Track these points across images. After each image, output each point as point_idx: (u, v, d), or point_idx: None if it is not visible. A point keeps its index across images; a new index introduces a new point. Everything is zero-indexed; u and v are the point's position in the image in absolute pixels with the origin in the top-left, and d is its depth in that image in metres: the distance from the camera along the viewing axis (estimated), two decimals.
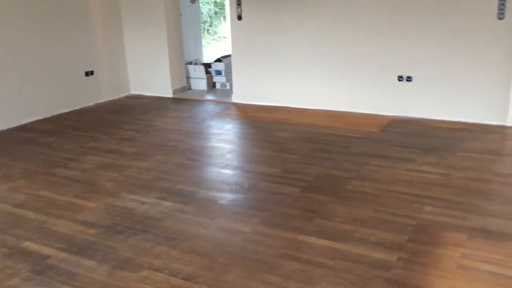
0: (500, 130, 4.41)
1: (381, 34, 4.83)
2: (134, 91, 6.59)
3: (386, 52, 4.85)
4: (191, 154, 4.14)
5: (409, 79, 4.81)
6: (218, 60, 6.79)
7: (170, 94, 6.37)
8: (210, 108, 5.77)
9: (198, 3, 7.97)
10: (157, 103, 6.06)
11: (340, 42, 5.07)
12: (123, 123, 5.15)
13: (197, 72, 6.75)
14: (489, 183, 3.32)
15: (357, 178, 3.44)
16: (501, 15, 4.26)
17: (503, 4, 4.22)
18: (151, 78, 6.42)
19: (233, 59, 5.85)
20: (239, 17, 5.58)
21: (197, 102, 6.08)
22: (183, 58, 6.62)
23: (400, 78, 4.86)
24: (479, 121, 4.56)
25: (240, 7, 5.54)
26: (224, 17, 14.27)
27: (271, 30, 5.43)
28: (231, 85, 6.68)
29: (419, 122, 4.72)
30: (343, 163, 3.74)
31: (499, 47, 4.34)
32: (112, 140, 4.57)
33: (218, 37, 13.97)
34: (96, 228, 2.85)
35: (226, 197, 3.24)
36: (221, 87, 6.79)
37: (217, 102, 6.02)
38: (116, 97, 6.37)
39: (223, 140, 4.49)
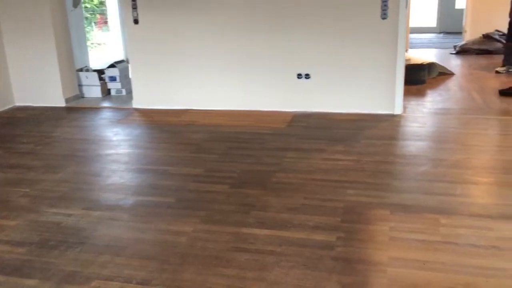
0: (390, 118, 4.91)
1: (279, 34, 5.09)
2: (19, 103, 6.11)
3: (285, 52, 5.13)
4: (106, 162, 4.00)
5: (307, 76, 5.14)
6: (112, 66, 6.57)
7: (62, 104, 6.02)
8: (111, 115, 5.58)
9: (81, 8, 7.62)
10: (50, 113, 5.70)
11: (240, 43, 5.24)
12: (17, 136, 4.78)
13: (90, 79, 6.46)
14: (394, 164, 3.71)
15: (280, 171, 3.61)
16: (384, 15, 4.75)
17: (385, 6, 4.71)
18: (40, 88, 6.01)
19: (131, 64, 5.72)
20: (136, 21, 5.48)
21: (94, 110, 5.83)
22: (73, 65, 6.29)
23: (299, 75, 5.16)
24: (372, 111, 5.03)
25: (136, 11, 5.44)
26: (95, 23, 13.74)
27: (170, 33, 5.42)
28: (127, 91, 6.52)
29: (320, 115, 5.07)
30: (262, 158, 3.90)
31: (384, 44, 4.84)
32: (11, 155, 4.22)
33: (92, 43, 13.43)
34: (24, 246, 2.65)
35: (157, 200, 3.21)
36: (116, 93, 6.58)
37: (117, 109, 5.84)
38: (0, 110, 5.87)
39: (136, 146, 4.40)
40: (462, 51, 9.06)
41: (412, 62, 6.66)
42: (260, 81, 5.29)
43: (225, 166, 3.77)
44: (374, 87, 4.99)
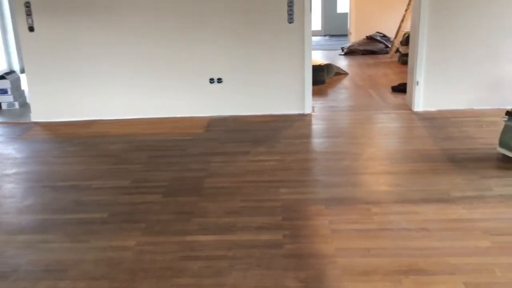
0: (302, 117, 5.12)
1: (189, 39, 5.07)
2: None
3: (196, 57, 5.12)
4: (17, 182, 3.68)
5: (219, 80, 5.18)
6: (1, 77, 6.05)
7: None
8: (7, 131, 5.12)
9: None
10: None
11: (150, 49, 5.12)
12: None
13: None
14: (316, 161, 3.90)
15: (209, 176, 3.61)
16: (290, 20, 4.95)
17: (291, 11, 4.92)
18: None
19: (27, 75, 5.30)
20: (31, 28, 5.10)
21: None
22: None
23: (211, 80, 5.19)
24: (284, 112, 5.21)
25: (31, 17, 5.07)
26: None
27: (71, 40, 5.13)
28: (20, 104, 6.07)
29: (235, 119, 5.13)
30: (189, 165, 3.86)
31: (292, 47, 5.04)
32: None
33: None
34: None
35: (88, 217, 3.03)
36: (8, 107, 6.06)
37: (12, 124, 5.38)
38: None
39: (47, 162, 4.10)
40: (349, 52, 9.70)
41: (312, 63, 7.00)
42: (172, 87, 5.22)
43: (152, 175, 3.67)
44: (285, 89, 5.18)
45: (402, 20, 8.96)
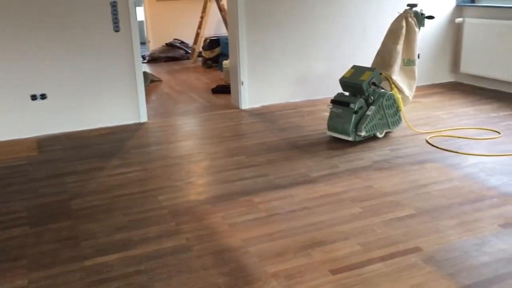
0: (140, 126, 5.03)
1: (4, 52, 4.50)
2: None
3: (13, 72, 4.57)
4: None
5: (43, 96, 4.73)
6: None
7: None
8: None
9: None
10: None
11: None
12: None
13: None
14: (179, 165, 3.90)
15: (73, 198, 3.33)
16: (116, 28, 4.81)
17: (116, 19, 4.79)
18: None
19: None
20: None
21: None
22: None
23: (33, 97, 4.70)
24: (120, 123, 5.04)
25: None
26: None
27: None
28: None
29: (68, 135, 4.75)
30: (41, 190, 3.48)
31: (121, 55, 4.91)
32: None
33: None
34: None
35: None
36: None
37: None
38: None
39: None
40: (152, 60, 9.75)
41: None
42: None
43: (3, 208, 3.21)
44: (117, 99, 5.01)
45: (200, 27, 9.41)
